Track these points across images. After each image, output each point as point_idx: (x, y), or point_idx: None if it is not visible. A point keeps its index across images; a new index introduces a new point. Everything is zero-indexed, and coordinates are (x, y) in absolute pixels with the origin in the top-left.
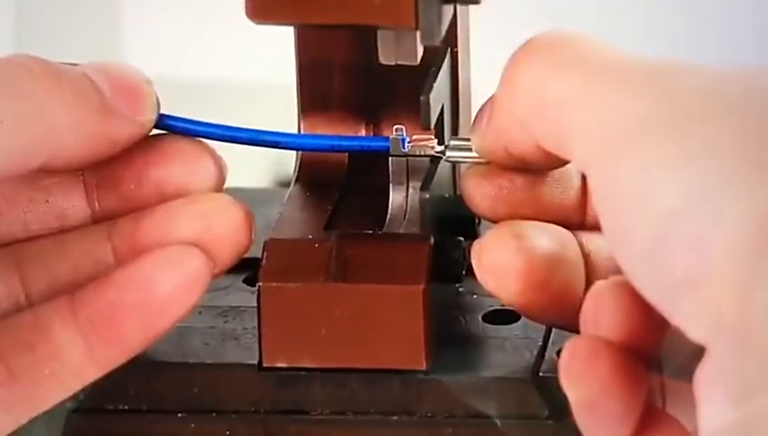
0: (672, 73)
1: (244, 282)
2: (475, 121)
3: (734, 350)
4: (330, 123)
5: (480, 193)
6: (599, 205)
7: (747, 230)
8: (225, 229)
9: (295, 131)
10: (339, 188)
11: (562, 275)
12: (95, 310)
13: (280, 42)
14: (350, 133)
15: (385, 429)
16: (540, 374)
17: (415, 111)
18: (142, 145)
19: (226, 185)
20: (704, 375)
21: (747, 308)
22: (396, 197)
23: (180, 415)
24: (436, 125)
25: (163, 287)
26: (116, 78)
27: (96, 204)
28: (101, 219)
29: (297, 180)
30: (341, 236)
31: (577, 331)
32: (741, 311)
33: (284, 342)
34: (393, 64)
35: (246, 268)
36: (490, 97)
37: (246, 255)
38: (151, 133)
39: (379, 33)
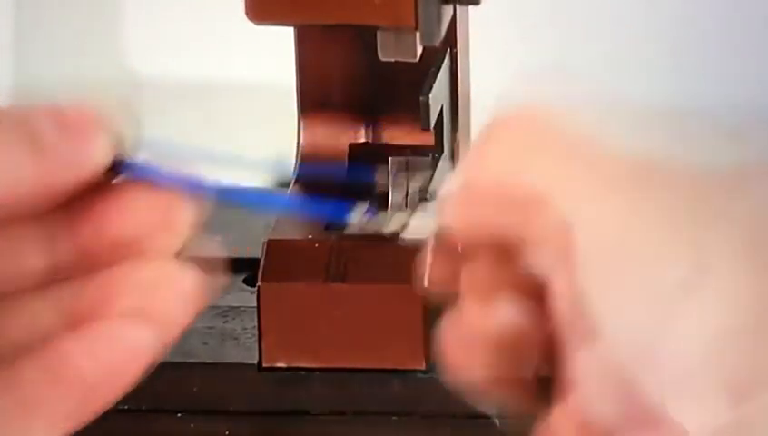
0: (641, 174)
1: (244, 282)
2: (441, 202)
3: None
4: (330, 123)
5: (441, 273)
6: (559, 310)
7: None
8: (170, 301)
9: (295, 131)
10: (339, 188)
11: (514, 354)
12: (23, 389)
13: (281, 42)
14: (349, 133)
15: (385, 428)
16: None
17: (415, 111)
18: (102, 195)
19: (226, 185)
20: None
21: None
22: (396, 198)
23: (179, 415)
24: (435, 126)
25: (96, 366)
26: (64, 117)
27: (48, 260)
28: (53, 277)
29: (297, 180)
30: (341, 236)
31: (532, 405)
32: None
33: (284, 343)
34: (392, 60)
35: (246, 268)
36: (457, 175)
37: (246, 255)
38: (118, 180)
39: (379, 30)
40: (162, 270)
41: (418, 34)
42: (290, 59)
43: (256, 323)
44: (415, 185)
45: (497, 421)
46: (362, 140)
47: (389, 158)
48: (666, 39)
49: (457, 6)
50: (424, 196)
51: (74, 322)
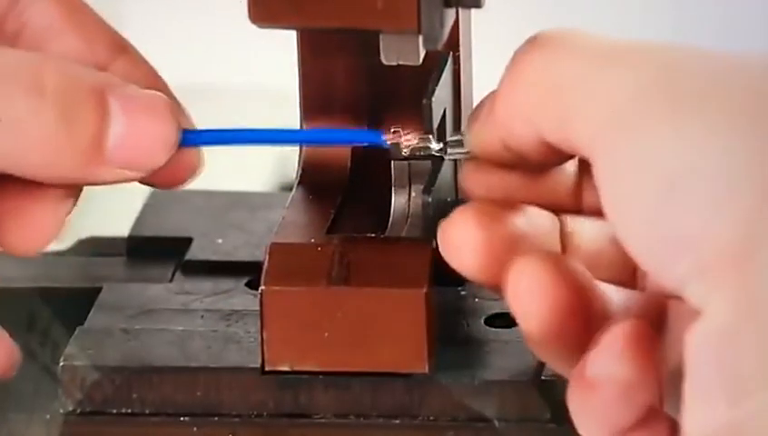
0: (674, 51)
1: (247, 285)
2: (471, 116)
3: (730, 320)
4: (332, 127)
5: (475, 182)
6: (600, 177)
7: (753, 196)
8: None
9: None
10: (342, 192)
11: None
12: None
13: (283, 45)
14: None
15: (387, 432)
16: (542, 377)
17: (417, 114)
18: None
19: (229, 189)
20: (696, 349)
21: (750, 273)
22: (398, 201)
23: (182, 419)
24: (438, 129)
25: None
26: (138, 128)
27: None
28: None
29: (299, 183)
30: (344, 240)
31: None
32: (743, 275)
33: (287, 346)
34: (395, 64)
35: (249, 272)
36: (488, 94)
37: (249, 259)
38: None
39: (382, 34)
40: None
41: (420, 38)
42: (292, 62)
43: (259, 327)
44: (417, 188)
45: (498, 424)
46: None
47: (392, 161)
48: (667, 37)
49: (460, 9)
50: (426, 198)
51: None
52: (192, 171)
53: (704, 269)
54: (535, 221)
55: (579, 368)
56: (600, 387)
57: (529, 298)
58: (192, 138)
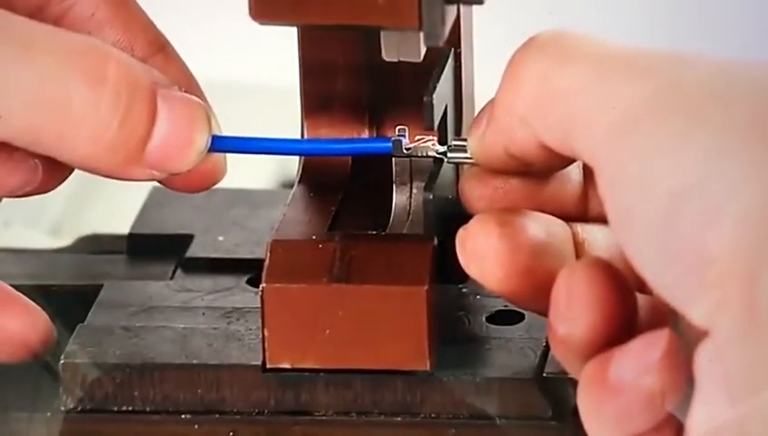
0: (676, 61)
1: (248, 282)
2: (472, 124)
3: (736, 337)
4: (333, 124)
5: (476, 195)
6: (604, 191)
7: (758, 211)
8: None
9: (298, 132)
10: (343, 189)
11: (547, 263)
12: None
13: (284, 42)
14: (353, 134)
15: (389, 430)
16: (544, 375)
17: (418, 111)
18: None
19: (229, 186)
20: (704, 362)
21: (754, 291)
22: (399, 198)
23: (183, 416)
24: (439, 126)
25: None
26: (177, 132)
27: None
28: None
29: (300, 181)
30: (345, 237)
31: None
32: (747, 293)
33: (288, 343)
34: (396, 61)
35: (250, 269)
36: (489, 101)
37: (250, 256)
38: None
39: (383, 31)
40: None
41: (421, 35)
42: (293, 60)
43: (260, 324)
44: (419, 185)
45: (500, 422)
46: None
47: (393, 158)
48: (663, 39)
49: (461, 6)
50: (428, 196)
51: None
52: (216, 177)
53: (707, 289)
54: (551, 229)
55: (598, 368)
56: (624, 391)
57: (581, 304)
58: (220, 144)
